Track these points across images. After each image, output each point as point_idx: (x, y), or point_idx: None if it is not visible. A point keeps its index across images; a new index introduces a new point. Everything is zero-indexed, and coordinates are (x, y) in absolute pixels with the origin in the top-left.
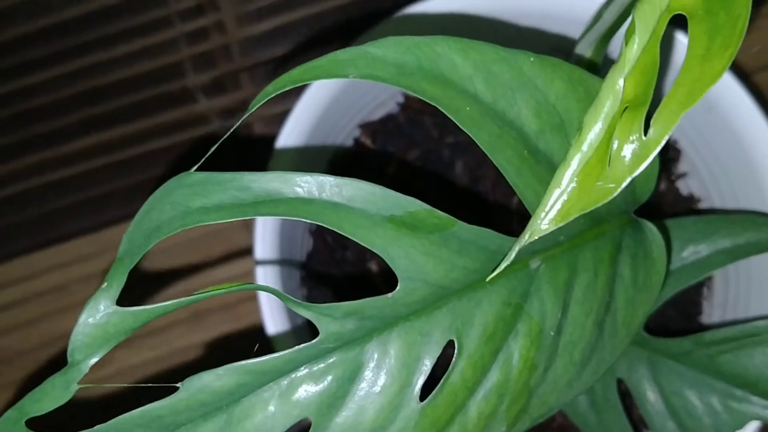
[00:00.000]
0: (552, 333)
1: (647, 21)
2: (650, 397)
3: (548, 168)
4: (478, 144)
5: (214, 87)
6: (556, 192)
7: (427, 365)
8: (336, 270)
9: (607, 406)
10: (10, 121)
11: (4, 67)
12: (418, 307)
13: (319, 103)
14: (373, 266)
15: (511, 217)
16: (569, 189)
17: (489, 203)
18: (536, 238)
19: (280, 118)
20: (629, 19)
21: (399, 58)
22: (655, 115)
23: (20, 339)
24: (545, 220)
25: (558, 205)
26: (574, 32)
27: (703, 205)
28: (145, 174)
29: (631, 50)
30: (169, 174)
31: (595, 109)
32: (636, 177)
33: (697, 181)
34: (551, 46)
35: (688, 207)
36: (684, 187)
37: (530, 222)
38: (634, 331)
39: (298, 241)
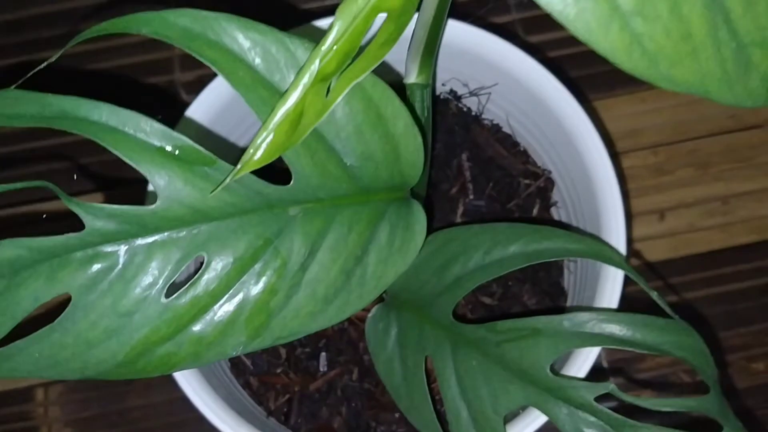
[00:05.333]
0: (296, 268)
1: (347, 17)
2: (447, 374)
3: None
4: (247, 103)
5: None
6: (264, 134)
7: (175, 271)
8: None
9: (415, 380)
10: None
11: None
12: (177, 223)
13: (222, 93)
14: None
15: None
16: (273, 133)
17: None
18: (248, 171)
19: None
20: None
21: (188, 24)
22: (333, 84)
23: None
24: (255, 155)
25: (264, 145)
26: None
27: None
28: None
29: (327, 39)
30: None
31: (296, 80)
32: (403, 163)
33: (564, 210)
34: None
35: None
36: (556, 214)
37: (243, 156)
38: (384, 284)
39: None
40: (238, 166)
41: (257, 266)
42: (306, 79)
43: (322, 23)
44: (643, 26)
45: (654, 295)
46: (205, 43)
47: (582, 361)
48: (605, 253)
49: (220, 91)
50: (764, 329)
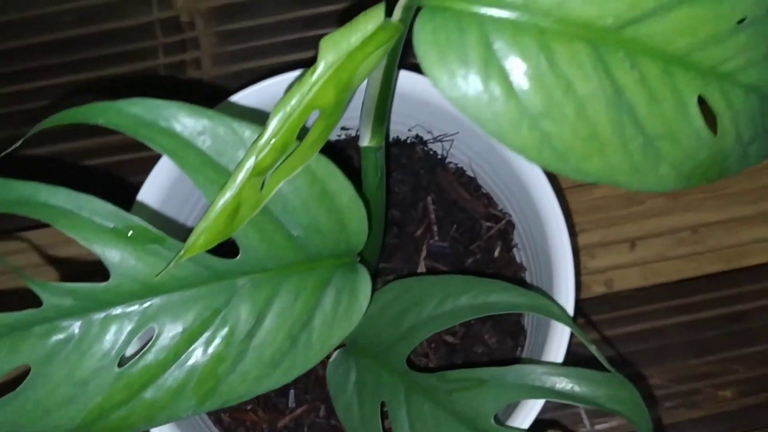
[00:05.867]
0: (243, 336)
1: (282, 114)
2: (401, 420)
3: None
4: (196, 185)
5: None
6: (204, 224)
7: (127, 342)
8: None
9: (371, 424)
10: None
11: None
12: (129, 298)
13: (168, 173)
14: None
15: None
16: (212, 222)
17: None
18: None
19: None
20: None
21: (140, 114)
22: (267, 179)
23: None
24: (198, 241)
25: (204, 234)
26: None
27: (526, 275)
28: (115, 180)
29: (263, 135)
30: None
31: (234, 174)
32: (349, 232)
33: (524, 252)
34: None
35: (514, 272)
36: (517, 255)
37: (186, 243)
38: (330, 347)
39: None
40: (181, 252)
41: (205, 335)
42: (242, 175)
43: (237, 98)
44: (551, 127)
45: (593, 349)
46: (156, 131)
47: (527, 412)
48: (549, 309)
49: (166, 172)
50: (732, 357)
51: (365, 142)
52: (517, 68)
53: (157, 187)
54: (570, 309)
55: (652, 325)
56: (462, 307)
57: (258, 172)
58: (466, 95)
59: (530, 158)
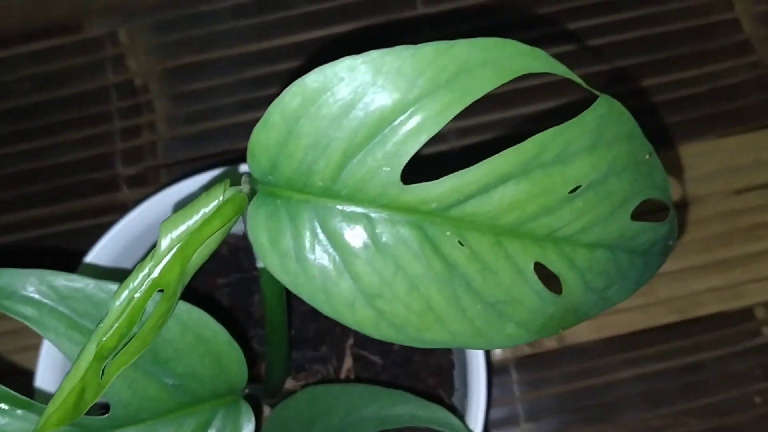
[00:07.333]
0: None
1: (125, 295)
2: None
3: None
4: (59, 350)
5: (137, 179)
6: (52, 407)
7: None
8: None
9: None
10: None
11: None
12: None
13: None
14: None
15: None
16: (60, 406)
17: None
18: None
19: None
20: None
21: (1, 284)
22: (107, 367)
23: None
24: (46, 425)
25: (53, 416)
26: None
27: (453, 356)
28: (68, 251)
29: (106, 319)
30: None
31: (78, 361)
32: (228, 373)
33: None
34: None
35: (443, 355)
36: None
37: (37, 424)
38: None
39: None
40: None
41: None
42: (84, 361)
43: (89, 259)
44: (384, 305)
45: None
46: (18, 300)
47: None
48: (451, 424)
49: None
50: (685, 410)
51: (261, 263)
52: (346, 253)
53: (50, 364)
54: (479, 426)
55: (605, 379)
56: (368, 418)
57: (101, 356)
58: (297, 279)
59: (368, 333)
